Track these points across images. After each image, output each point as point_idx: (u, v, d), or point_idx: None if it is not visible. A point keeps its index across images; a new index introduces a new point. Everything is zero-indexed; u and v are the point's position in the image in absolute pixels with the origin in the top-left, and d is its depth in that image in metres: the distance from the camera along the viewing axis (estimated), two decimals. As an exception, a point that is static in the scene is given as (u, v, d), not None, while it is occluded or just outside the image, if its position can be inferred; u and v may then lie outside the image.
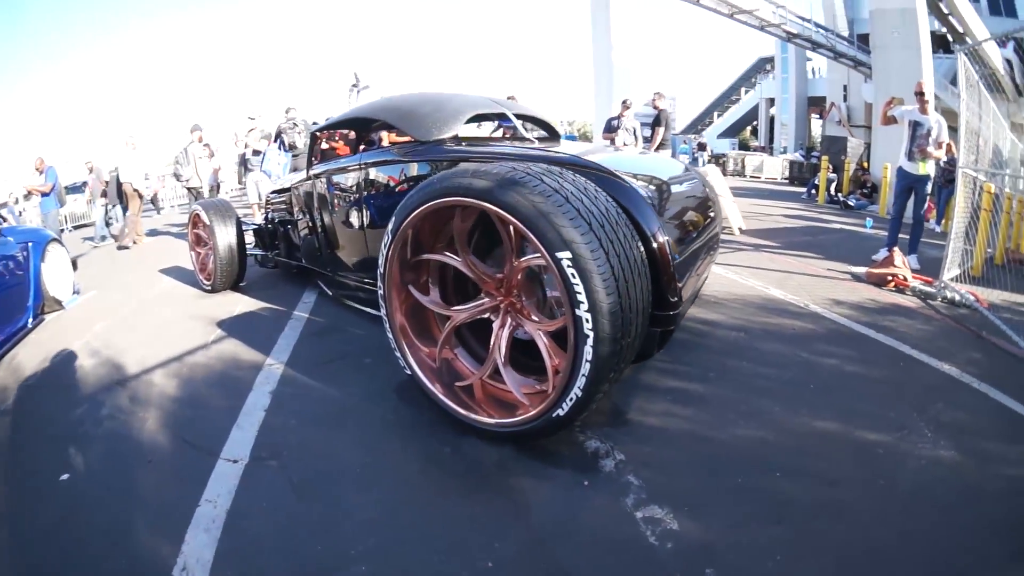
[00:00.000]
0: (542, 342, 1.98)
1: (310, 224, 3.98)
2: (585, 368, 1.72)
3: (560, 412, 1.84)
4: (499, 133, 4.77)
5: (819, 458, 2.02)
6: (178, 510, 1.82)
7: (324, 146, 8.48)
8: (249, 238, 4.80)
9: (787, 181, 16.69)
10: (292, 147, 8.13)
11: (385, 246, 2.25)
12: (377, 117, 3.25)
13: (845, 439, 2.16)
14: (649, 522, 1.65)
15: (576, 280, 1.66)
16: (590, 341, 1.68)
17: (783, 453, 2.05)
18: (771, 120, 29.24)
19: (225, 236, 4.24)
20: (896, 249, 4.98)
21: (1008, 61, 16.02)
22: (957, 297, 4.27)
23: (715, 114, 36.16)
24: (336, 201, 3.55)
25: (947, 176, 8.83)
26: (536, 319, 2.07)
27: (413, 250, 2.27)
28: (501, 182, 1.80)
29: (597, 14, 17.50)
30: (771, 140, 28.59)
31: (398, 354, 2.39)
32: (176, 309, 4.19)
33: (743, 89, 33.63)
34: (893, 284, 4.60)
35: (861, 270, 5.06)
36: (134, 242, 7.66)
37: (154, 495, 1.93)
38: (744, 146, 28.99)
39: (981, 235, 5.17)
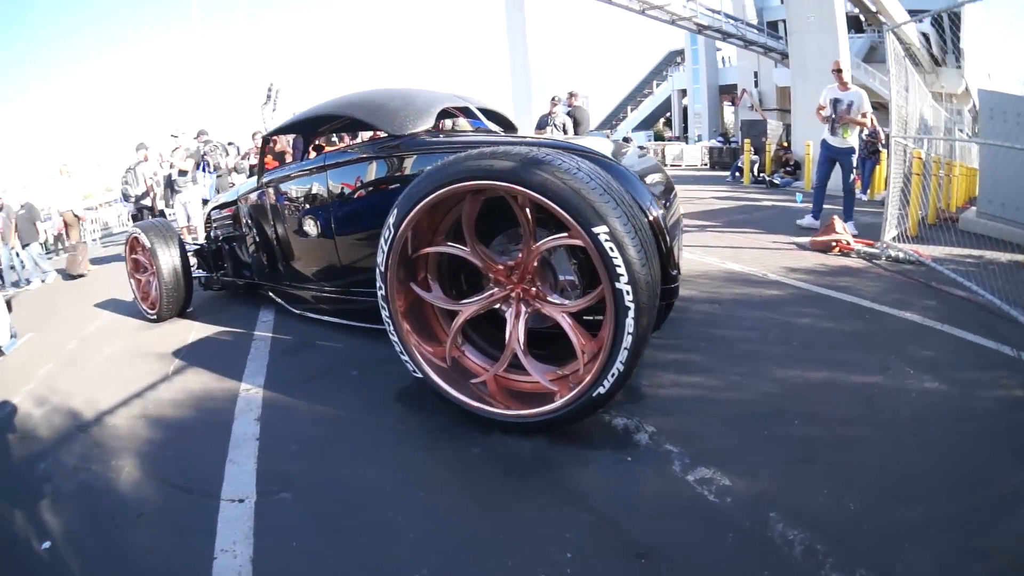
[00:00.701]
0: (567, 323, 1.94)
1: (264, 237, 3.70)
2: (627, 341, 1.72)
3: (601, 390, 1.81)
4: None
5: (825, 403, 2.16)
6: (192, 568, 1.57)
7: (252, 160, 7.97)
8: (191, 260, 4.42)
9: (707, 167, 17.50)
10: (216, 168, 7.75)
11: (386, 242, 2.09)
12: (341, 114, 3.06)
13: (841, 384, 2.33)
14: (702, 483, 1.70)
15: (615, 253, 1.66)
16: (631, 313, 1.69)
17: (792, 403, 2.17)
18: (684, 110, 30.61)
19: (168, 259, 3.87)
20: (835, 217, 5.26)
21: (925, 35, 17.51)
22: (901, 255, 4.56)
23: (628, 108, 37.34)
24: (296, 209, 3.31)
25: (870, 148, 9.55)
26: (557, 302, 2.00)
27: (414, 244, 2.14)
28: (526, 162, 1.74)
29: (512, 15, 17.65)
30: (685, 130, 29.90)
31: (405, 358, 2.23)
32: (124, 343, 3.77)
33: (655, 82, 34.96)
34: (838, 249, 4.86)
35: (804, 239, 5.33)
36: (88, 270, 7.34)
37: (158, 553, 1.67)
38: (659, 137, 30.11)
39: (914, 197, 5.59)
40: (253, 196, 3.74)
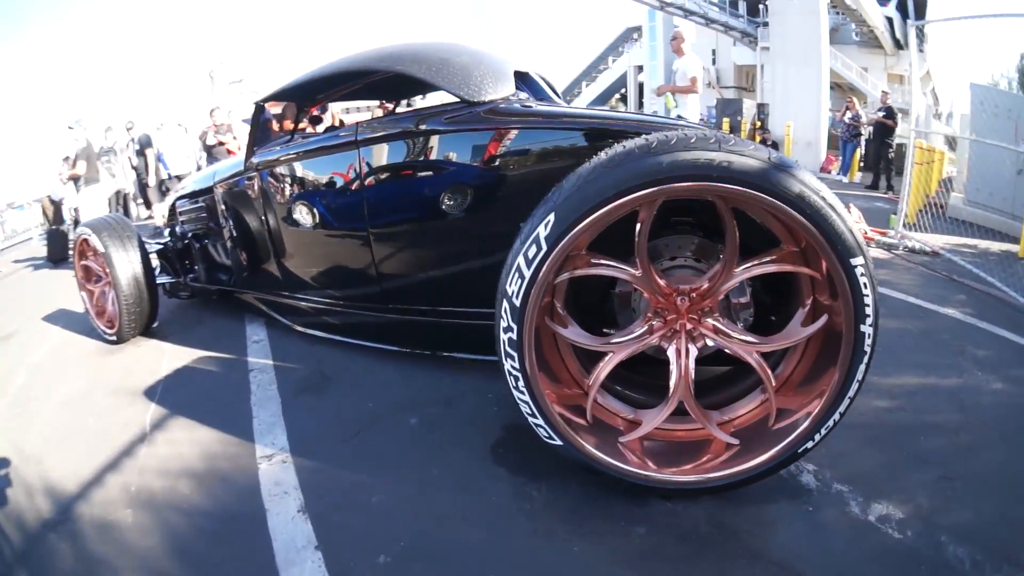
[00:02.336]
0: (757, 363, 1.56)
1: (253, 234, 2.92)
2: (853, 389, 1.50)
3: (809, 444, 1.56)
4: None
5: (932, 413, 2.17)
6: None
7: (211, 140, 6.90)
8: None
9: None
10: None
11: (529, 263, 1.46)
12: (389, 70, 2.29)
13: (934, 390, 2.39)
14: (883, 521, 1.60)
15: (867, 291, 1.41)
16: (866, 359, 1.48)
17: (907, 416, 2.14)
18: (640, 87, 30.35)
19: (127, 264, 2.99)
20: (851, 204, 5.23)
21: (889, 18, 17.86)
22: (916, 246, 4.73)
23: (584, 83, 36.82)
24: (308, 198, 2.55)
25: (852, 131, 9.47)
26: (748, 339, 1.57)
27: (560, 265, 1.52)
28: (774, 164, 1.35)
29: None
30: (640, 106, 29.68)
31: (539, 422, 1.60)
32: (82, 377, 2.88)
33: (611, 58, 34.50)
34: (860, 239, 4.89)
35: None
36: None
37: None
38: (615, 114, 29.69)
39: (916, 186, 5.69)
40: (239, 182, 2.92)
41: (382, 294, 2.48)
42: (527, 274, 1.46)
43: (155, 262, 3.54)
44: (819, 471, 1.79)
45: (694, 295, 1.55)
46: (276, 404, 2.41)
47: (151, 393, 2.60)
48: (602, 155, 1.43)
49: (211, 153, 6.75)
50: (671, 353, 1.60)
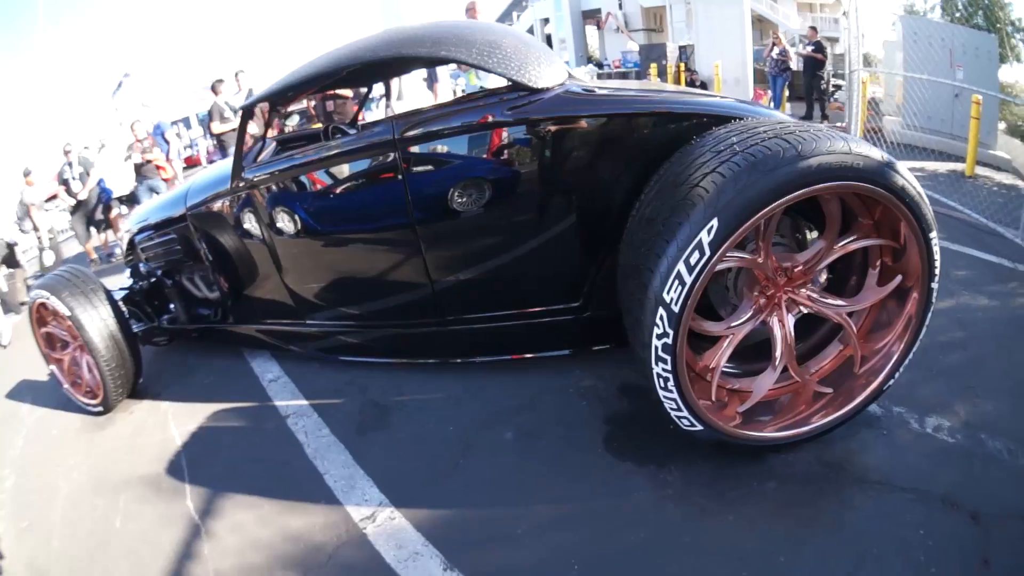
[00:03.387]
0: (845, 321, 1.73)
1: (256, 259, 2.52)
2: (922, 333, 1.73)
3: (891, 382, 1.77)
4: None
5: (941, 333, 2.37)
6: None
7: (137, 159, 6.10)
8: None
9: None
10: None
11: (691, 270, 1.44)
12: (431, 56, 1.92)
13: (938, 312, 2.47)
14: (939, 430, 1.86)
15: (937, 257, 1.65)
16: (931, 308, 1.70)
17: (924, 338, 2.07)
18: (548, 38, 29.93)
19: (99, 323, 2.48)
20: None
21: None
22: None
23: (491, 43, 35.88)
24: (338, 211, 2.23)
25: (781, 66, 9.67)
26: (838, 303, 1.72)
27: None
28: (884, 161, 1.50)
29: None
30: (551, 60, 29.30)
31: (684, 413, 1.63)
32: (80, 464, 2.38)
33: (515, 14, 33.72)
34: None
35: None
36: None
37: None
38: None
39: (862, 117, 6.20)
40: (226, 202, 2.47)
41: (439, 306, 2.20)
42: (688, 280, 1.45)
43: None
44: (879, 399, 1.93)
45: (795, 271, 1.67)
46: (341, 451, 2.09)
47: (176, 470, 2.19)
48: (747, 156, 1.43)
49: (140, 173, 5.87)
50: (774, 324, 1.71)
